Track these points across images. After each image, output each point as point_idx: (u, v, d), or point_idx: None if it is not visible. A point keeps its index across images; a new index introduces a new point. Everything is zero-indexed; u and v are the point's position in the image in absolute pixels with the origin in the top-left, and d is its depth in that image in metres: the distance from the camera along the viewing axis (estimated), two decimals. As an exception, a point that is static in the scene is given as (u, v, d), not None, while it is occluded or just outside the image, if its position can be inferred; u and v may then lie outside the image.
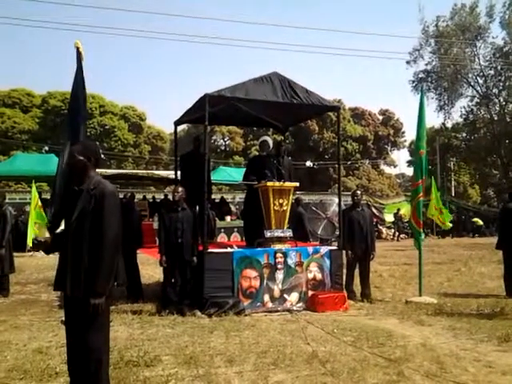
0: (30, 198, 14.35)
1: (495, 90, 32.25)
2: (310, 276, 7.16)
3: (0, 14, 61.32)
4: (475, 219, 27.99)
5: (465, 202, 32.20)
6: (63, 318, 3.39)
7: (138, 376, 4.03)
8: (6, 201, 8.78)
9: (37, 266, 11.86)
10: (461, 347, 4.93)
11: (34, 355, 4.61)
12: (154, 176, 21.17)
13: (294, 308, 6.90)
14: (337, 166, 8.61)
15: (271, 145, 8.09)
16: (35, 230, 13.43)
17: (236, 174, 19.45)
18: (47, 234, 13.47)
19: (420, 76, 33.17)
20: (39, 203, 13.81)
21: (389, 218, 26.29)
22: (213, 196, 15.66)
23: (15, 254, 8.62)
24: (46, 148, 26.92)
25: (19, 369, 4.21)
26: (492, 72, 32.00)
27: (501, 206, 11.63)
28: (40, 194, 15.67)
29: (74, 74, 6.38)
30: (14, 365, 4.33)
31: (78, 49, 6.34)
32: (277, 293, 6.90)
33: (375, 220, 20.39)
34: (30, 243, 13.54)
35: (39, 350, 4.77)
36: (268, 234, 7.12)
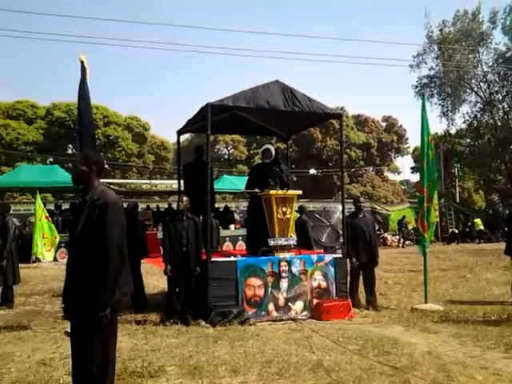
0: (35, 209, 14.35)
1: (499, 96, 32.16)
2: (315, 284, 7.13)
3: (3, 27, 61.92)
4: (476, 220, 27.69)
5: (465, 210, 31.93)
6: (67, 330, 3.38)
7: (141, 387, 4.01)
8: (11, 212, 8.73)
9: (41, 277, 11.86)
10: (467, 355, 4.89)
11: (38, 367, 4.60)
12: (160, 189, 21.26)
13: (299, 317, 6.86)
14: (340, 173, 8.60)
15: (274, 153, 8.09)
16: (43, 240, 13.30)
17: (239, 183, 19.44)
18: (50, 258, 13.42)
19: (423, 81, 33.15)
20: (46, 213, 13.79)
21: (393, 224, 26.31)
22: (216, 205, 15.68)
23: (20, 265, 8.60)
24: (51, 159, 27.12)
25: (23, 381, 4.20)
26: (495, 78, 31.97)
27: (507, 212, 11.62)
28: (44, 204, 15.67)
29: (78, 86, 6.45)
30: (18, 377, 4.32)
31: (82, 62, 6.40)
32: (281, 301, 6.86)
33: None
34: (36, 253, 13.47)
35: (43, 362, 4.76)
36: (272, 243, 7.10)
